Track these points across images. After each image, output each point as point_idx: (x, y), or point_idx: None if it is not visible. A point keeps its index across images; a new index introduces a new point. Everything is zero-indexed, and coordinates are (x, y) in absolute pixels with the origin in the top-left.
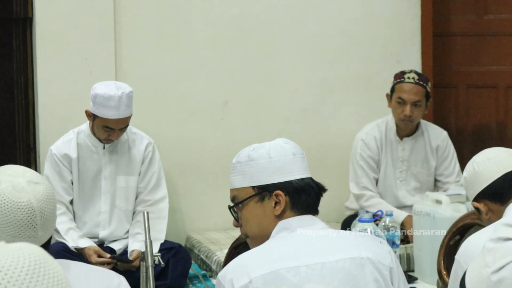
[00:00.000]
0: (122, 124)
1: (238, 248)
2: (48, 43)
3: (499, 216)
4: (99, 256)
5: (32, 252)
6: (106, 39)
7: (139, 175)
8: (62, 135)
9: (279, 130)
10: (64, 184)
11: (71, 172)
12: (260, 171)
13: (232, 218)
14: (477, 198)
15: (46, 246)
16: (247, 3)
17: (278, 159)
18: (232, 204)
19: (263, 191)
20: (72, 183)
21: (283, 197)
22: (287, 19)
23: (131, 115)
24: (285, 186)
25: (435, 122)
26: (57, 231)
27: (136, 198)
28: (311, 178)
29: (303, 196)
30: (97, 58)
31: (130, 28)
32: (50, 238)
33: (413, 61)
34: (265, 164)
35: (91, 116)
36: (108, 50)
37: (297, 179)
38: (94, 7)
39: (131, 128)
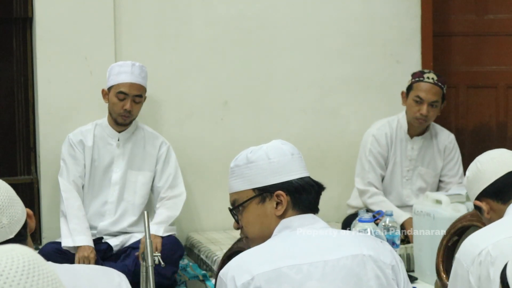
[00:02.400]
0: (135, 90)
1: (232, 257)
2: (48, 43)
3: (500, 215)
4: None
5: (24, 253)
6: (106, 39)
7: (154, 173)
8: (62, 135)
9: (279, 130)
10: (78, 168)
11: (85, 158)
12: (260, 173)
13: (233, 220)
14: (479, 197)
15: (23, 237)
16: (247, 3)
17: (278, 160)
18: (233, 207)
19: (264, 192)
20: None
21: (284, 197)
22: (287, 19)
23: (145, 89)
24: (286, 186)
25: (435, 122)
26: (64, 215)
27: (156, 195)
28: (310, 177)
29: (304, 195)
30: (97, 58)
31: (130, 28)
32: (26, 229)
33: (413, 61)
34: (265, 166)
35: (107, 94)
36: (108, 50)
37: (297, 179)
38: (94, 7)
39: (147, 127)
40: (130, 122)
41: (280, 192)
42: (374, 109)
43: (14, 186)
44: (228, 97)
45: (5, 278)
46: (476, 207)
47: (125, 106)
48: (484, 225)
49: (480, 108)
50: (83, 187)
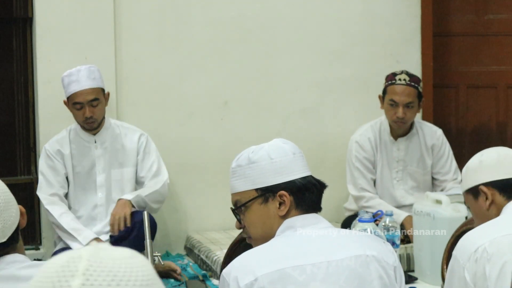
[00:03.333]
0: (88, 96)
1: (242, 243)
2: (48, 43)
3: (498, 209)
4: None
5: (144, 265)
6: (106, 39)
7: (136, 166)
8: None
9: (278, 130)
10: (58, 178)
11: (65, 167)
12: (262, 173)
13: (234, 220)
14: (488, 185)
15: (15, 240)
16: (247, 3)
17: (280, 160)
18: (236, 207)
19: (267, 193)
20: (67, 178)
21: (287, 197)
22: (287, 19)
23: (100, 88)
24: (289, 186)
25: (435, 122)
26: (64, 231)
27: (139, 184)
28: (312, 176)
29: (307, 195)
30: (97, 58)
31: (130, 28)
32: (19, 231)
33: (413, 61)
34: (267, 166)
35: (67, 105)
36: (108, 50)
37: (300, 178)
38: (94, 7)
39: (123, 123)
40: (99, 125)
41: (283, 192)
42: (374, 109)
43: (14, 186)
44: (228, 97)
45: None
46: (474, 192)
47: (85, 114)
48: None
49: (480, 108)
50: (67, 195)
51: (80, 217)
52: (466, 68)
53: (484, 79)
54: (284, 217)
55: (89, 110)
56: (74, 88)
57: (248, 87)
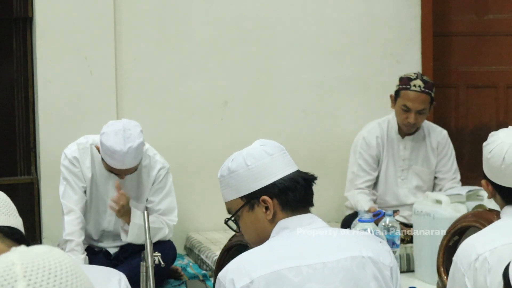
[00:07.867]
0: (128, 171)
1: (231, 250)
2: (48, 43)
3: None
4: None
5: (61, 253)
6: (106, 39)
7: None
8: (62, 135)
9: (279, 130)
10: (82, 184)
11: (85, 180)
12: (243, 181)
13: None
14: (493, 183)
15: None
16: (247, 3)
17: (256, 165)
18: (227, 218)
19: (252, 199)
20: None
21: (270, 202)
22: (287, 19)
23: (140, 161)
24: (270, 190)
25: (435, 122)
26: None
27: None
28: (297, 171)
29: (290, 194)
30: (97, 58)
31: (130, 28)
32: None
33: (413, 61)
34: (245, 173)
35: (99, 151)
36: (108, 50)
37: (279, 179)
38: (94, 7)
39: (147, 149)
40: None
41: (264, 197)
42: (374, 109)
43: (14, 186)
44: (228, 97)
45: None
46: (484, 177)
47: (118, 176)
48: (484, 226)
49: (480, 108)
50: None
51: (87, 236)
52: (466, 68)
53: (484, 79)
54: (273, 220)
55: (124, 176)
56: (115, 164)
57: (248, 87)
